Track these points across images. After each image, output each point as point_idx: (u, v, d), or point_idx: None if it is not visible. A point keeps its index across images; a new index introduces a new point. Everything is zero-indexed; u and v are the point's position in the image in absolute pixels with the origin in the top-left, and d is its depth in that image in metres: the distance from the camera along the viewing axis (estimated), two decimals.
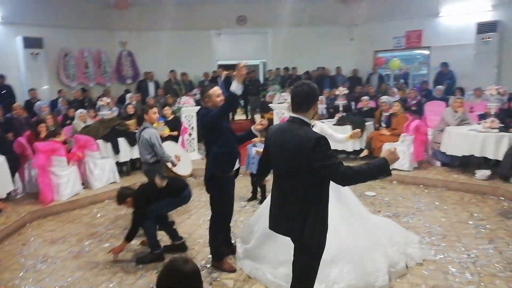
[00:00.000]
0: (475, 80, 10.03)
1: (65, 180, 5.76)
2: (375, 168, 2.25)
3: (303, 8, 11.83)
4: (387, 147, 2.80)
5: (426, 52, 11.98)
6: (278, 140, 2.42)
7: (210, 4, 12.14)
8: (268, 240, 3.65)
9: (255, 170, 5.17)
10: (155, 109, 4.50)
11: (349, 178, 2.24)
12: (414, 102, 8.97)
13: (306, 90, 2.37)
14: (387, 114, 7.58)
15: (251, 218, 4.22)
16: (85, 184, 6.27)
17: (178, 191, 4.07)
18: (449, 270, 3.58)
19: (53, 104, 9.54)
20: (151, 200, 3.93)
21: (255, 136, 3.78)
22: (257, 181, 5.58)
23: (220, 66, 12.48)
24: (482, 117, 6.84)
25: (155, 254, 3.97)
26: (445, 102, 8.68)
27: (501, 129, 6.01)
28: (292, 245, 2.55)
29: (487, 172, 5.99)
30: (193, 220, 5.13)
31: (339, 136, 4.04)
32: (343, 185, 2.50)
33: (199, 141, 8.12)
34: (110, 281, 3.65)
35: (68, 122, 7.80)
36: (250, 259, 3.77)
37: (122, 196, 3.96)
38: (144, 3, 11.95)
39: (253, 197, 5.80)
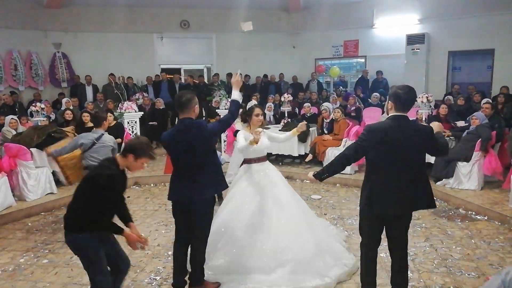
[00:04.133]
0: None
1: None
2: None
3: (247, 14, 11.95)
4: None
5: (362, 60, 12.67)
6: (397, 136, 2.76)
7: (152, 7, 11.85)
8: (245, 249, 3.52)
9: None
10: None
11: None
12: (353, 108, 9.44)
13: (415, 94, 2.87)
14: (327, 120, 7.90)
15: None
16: (18, 196, 5.81)
17: None
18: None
19: None
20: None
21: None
22: None
23: (163, 70, 12.23)
24: None
25: None
26: (381, 109, 9.22)
27: None
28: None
29: None
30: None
31: (284, 135, 4.19)
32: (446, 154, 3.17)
33: None
34: None
35: None
36: (227, 274, 3.52)
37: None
38: (82, 4, 11.36)
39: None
